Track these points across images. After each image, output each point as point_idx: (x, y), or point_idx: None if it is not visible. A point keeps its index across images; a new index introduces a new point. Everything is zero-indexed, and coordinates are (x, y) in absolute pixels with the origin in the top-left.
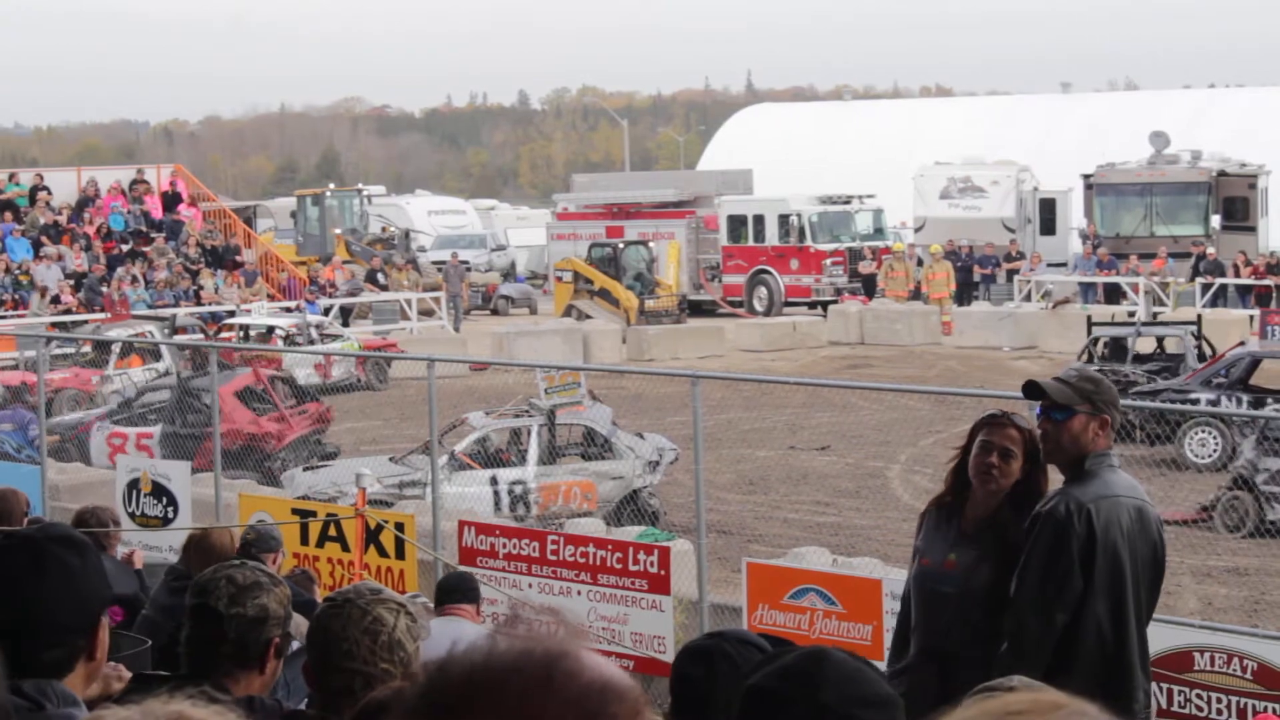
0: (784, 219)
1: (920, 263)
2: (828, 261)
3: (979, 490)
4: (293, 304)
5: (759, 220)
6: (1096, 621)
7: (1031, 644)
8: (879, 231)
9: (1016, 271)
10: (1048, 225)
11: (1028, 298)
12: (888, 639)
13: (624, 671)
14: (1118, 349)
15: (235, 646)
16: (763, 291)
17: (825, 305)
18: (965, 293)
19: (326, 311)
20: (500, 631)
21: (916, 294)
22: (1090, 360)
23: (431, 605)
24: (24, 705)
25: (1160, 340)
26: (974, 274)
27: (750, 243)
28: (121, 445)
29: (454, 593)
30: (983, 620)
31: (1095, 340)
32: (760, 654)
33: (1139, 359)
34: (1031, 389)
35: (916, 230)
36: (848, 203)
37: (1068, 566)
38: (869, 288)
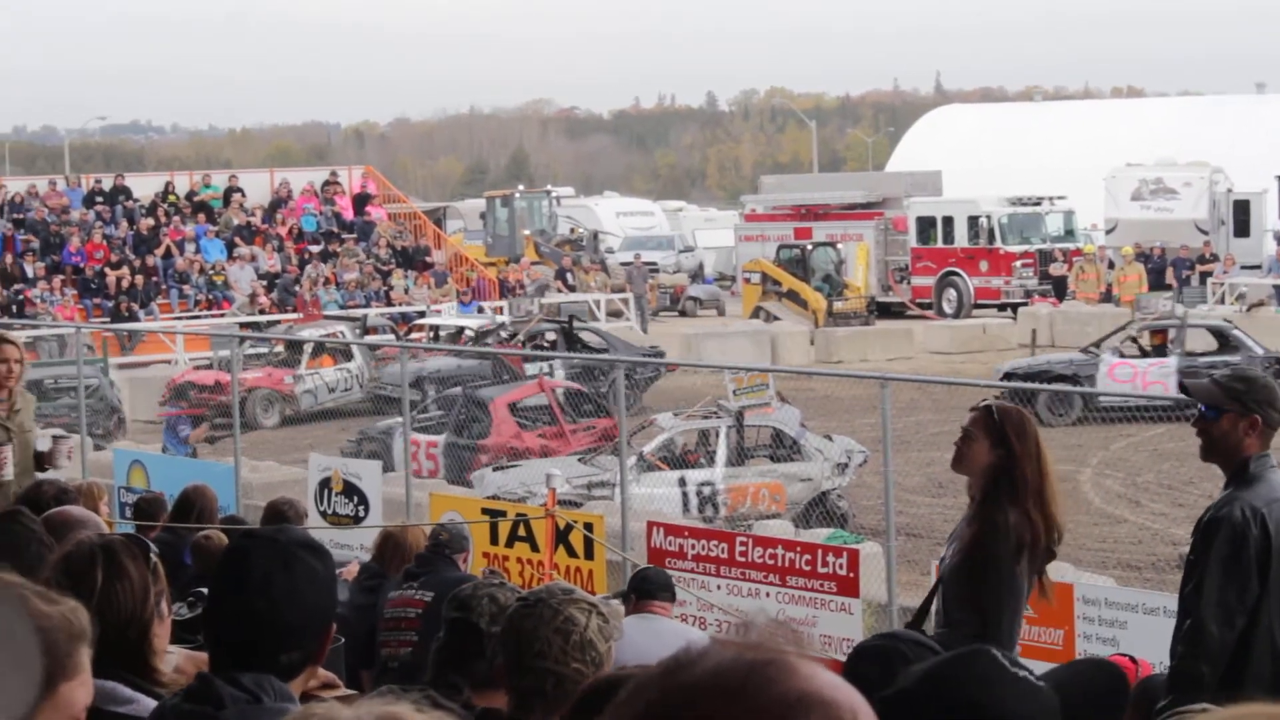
0: (973, 220)
1: (1111, 265)
2: (1018, 263)
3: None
4: (476, 305)
5: (948, 222)
6: (1269, 627)
7: (1216, 650)
8: (1070, 233)
9: (1210, 274)
10: (1241, 227)
11: (1221, 300)
12: (1079, 644)
13: (840, 684)
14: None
15: (490, 664)
16: (952, 293)
17: (1015, 307)
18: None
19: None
20: (717, 638)
21: (1108, 296)
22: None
23: (621, 605)
24: (242, 697)
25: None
26: (1166, 276)
27: (939, 244)
28: (415, 453)
29: (662, 590)
30: (950, 604)
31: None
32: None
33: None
34: (1183, 389)
35: (1108, 232)
36: (1038, 204)
37: (1247, 571)
38: (1059, 290)
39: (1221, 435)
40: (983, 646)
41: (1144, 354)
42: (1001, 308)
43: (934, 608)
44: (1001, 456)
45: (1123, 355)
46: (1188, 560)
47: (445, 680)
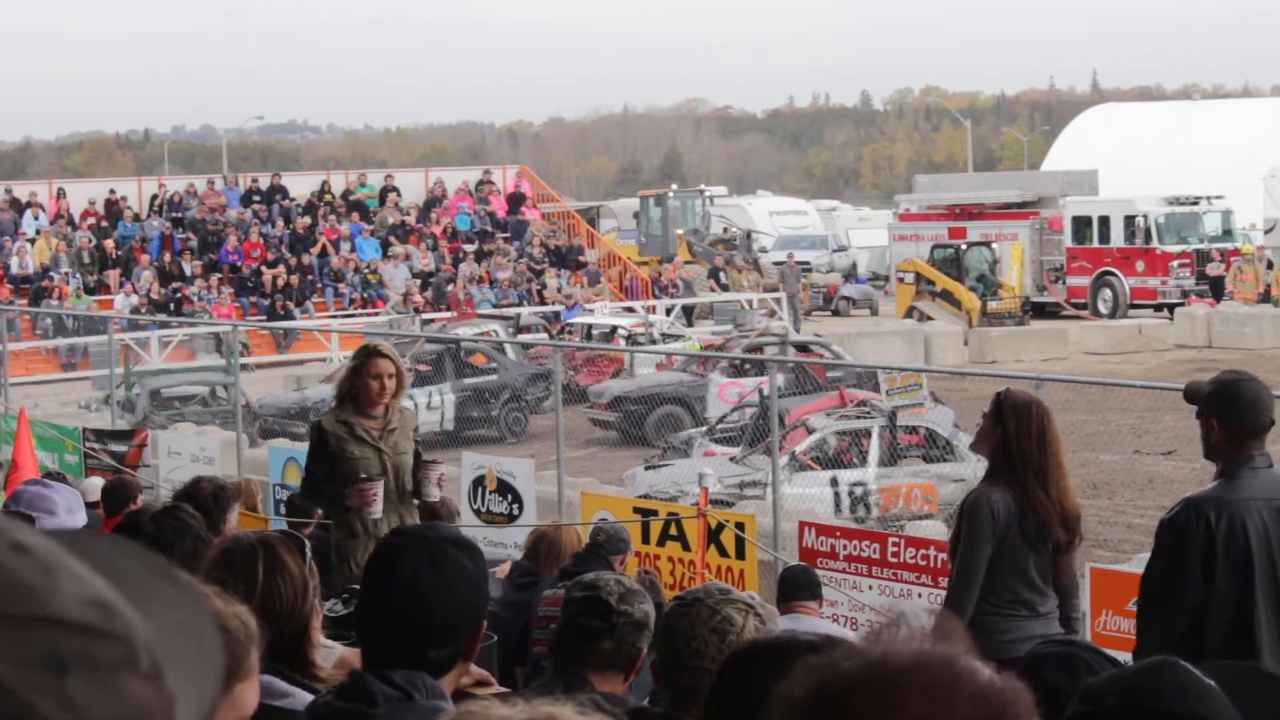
0: (1130, 220)
1: (1270, 265)
2: (1174, 263)
3: None
4: (634, 304)
5: (1104, 221)
6: (1222, 625)
7: (1155, 648)
8: (1228, 233)
9: None
10: None
11: None
12: None
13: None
14: None
15: (614, 644)
16: (1107, 293)
17: (1171, 308)
18: None
19: (669, 311)
20: (882, 633)
21: (1266, 297)
22: None
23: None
24: (394, 694)
25: None
26: None
27: (1095, 244)
28: None
29: (802, 589)
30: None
31: None
32: (1111, 665)
33: None
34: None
35: (1267, 232)
36: (1195, 204)
37: (1185, 572)
38: (1217, 290)
39: (1202, 436)
40: (1169, 657)
41: (742, 372)
42: (1158, 308)
43: None
44: (1001, 435)
45: (733, 375)
46: None
47: (566, 671)
